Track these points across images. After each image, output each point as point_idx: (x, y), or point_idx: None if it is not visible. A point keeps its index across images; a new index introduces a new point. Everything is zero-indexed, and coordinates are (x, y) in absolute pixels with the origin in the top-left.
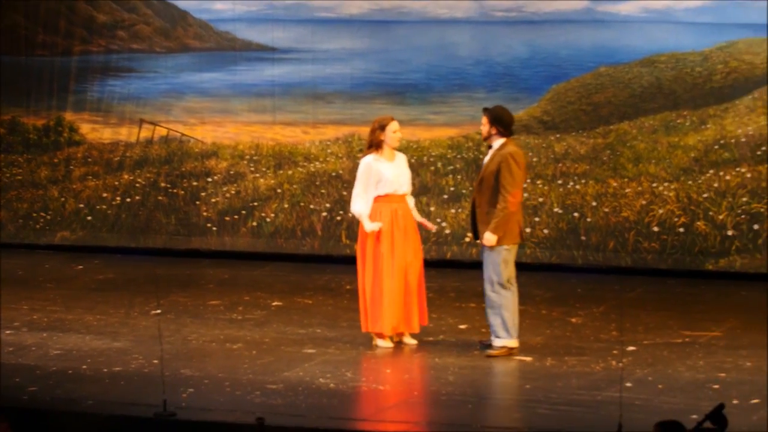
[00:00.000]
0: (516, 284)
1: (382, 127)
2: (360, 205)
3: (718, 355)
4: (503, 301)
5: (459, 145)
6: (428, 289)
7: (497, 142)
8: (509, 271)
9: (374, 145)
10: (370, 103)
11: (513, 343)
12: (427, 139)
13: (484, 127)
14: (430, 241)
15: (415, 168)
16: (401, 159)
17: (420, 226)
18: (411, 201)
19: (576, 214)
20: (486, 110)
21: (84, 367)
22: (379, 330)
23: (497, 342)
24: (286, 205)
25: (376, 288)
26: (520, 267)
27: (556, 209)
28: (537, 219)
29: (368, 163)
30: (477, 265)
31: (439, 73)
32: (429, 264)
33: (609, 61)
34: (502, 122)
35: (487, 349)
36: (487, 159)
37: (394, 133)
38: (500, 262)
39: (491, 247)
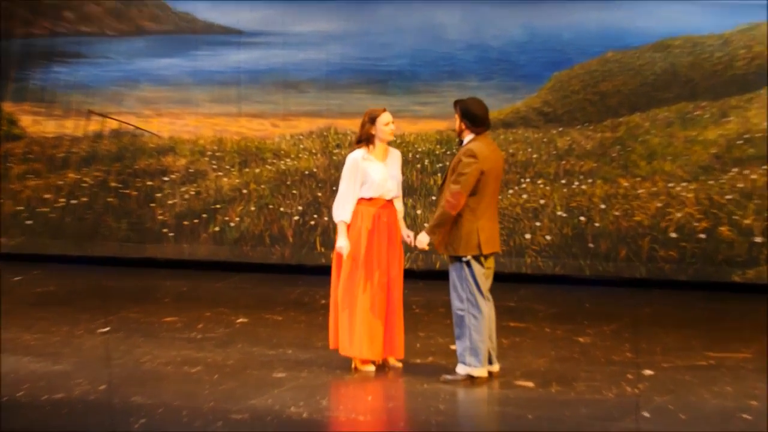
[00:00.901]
0: (491, 302)
1: (372, 120)
2: (345, 213)
3: (747, 380)
4: (470, 321)
5: (449, 140)
6: (416, 304)
7: (467, 138)
8: (472, 287)
9: (364, 139)
10: (348, 92)
11: (479, 372)
12: (412, 133)
13: (456, 122)
14: (414, 250)
15: None
16: (394, 158)
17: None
18: (399, 206)
19: (582, 218)
20: (456, 103)
21: (20, 393)
22: (353, 354)
23: (460, 369)
24: (252, 208)
25: (352, 303)
26: (519, 279)
27: (559, 212)
28: (538, 224)
29: (355, 159)
30: None
31: (425, 58)
32: (416, 275)
33: (617, 45)
34: (470, 116)
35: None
36: (454, 158)
37: (386, 126)
38: (463, 277)
39: (450, 260)
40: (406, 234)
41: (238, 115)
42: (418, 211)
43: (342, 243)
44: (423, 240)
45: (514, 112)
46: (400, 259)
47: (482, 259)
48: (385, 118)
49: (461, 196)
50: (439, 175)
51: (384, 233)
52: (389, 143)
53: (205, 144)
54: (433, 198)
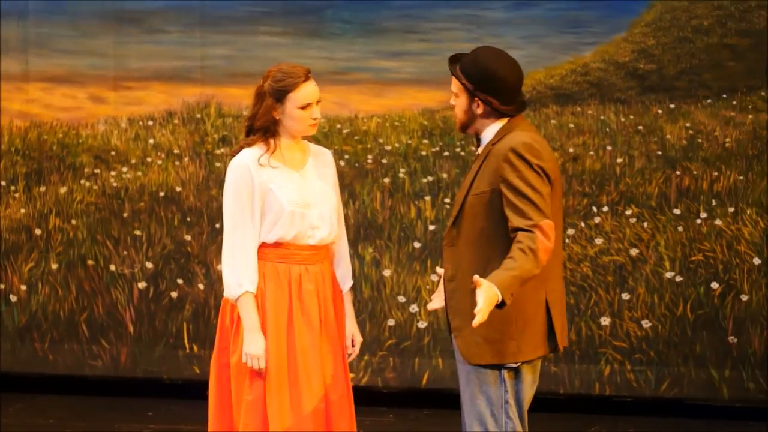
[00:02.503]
0: None
1: (279, 93)
2: (249, 277)
3: None
4: None
5: (446, 128)
6: None
7: (490, 128)
8: (515, 422)
9: (260, 129)
10: (244, 31)
11: None
12: (374, 115)
13: (459, 99)
14: (382, 346)
15: (349, 181)
16: (322, 164)
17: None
18: (343, 263)
19: (715, 285)
20: (454, 60)
21: None
22: None
23: None
24: (54, 266)
25: None
26: (588, 406)
27: (668, 274)
28: (626, 296)
29: (244, 168)
30: None
31: None
32: (382, 399)
33: None
34: (493, 84)
35: None
36: (471, 170)
37: (303, 109)
38: (498, 400)
39: (470, 370)
40: (351, 333)
41: (22, 79)
42: (386, 273)
43: (256, 342)
44: (486, 304)
45: (577, 71)
46: (344, 365)
47: (537, 363)
48: (305, 92)
49: (551, 228)
50: (426, 198)
51: (313, 315)
52: (308, 138)
53: None
54: (417, 245)
